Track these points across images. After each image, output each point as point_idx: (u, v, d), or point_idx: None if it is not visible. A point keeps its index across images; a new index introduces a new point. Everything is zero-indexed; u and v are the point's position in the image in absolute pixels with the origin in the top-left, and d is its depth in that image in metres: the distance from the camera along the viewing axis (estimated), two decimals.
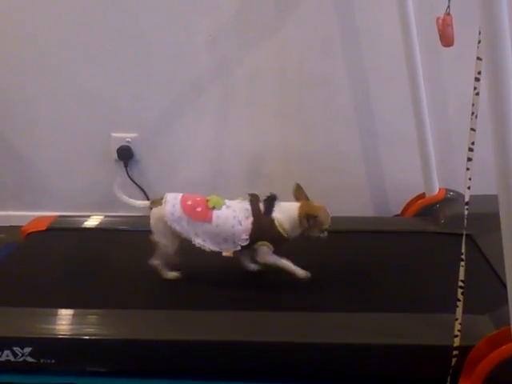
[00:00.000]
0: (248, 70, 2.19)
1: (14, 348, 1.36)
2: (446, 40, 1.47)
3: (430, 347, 1.31)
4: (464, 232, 1.23)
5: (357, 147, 2.26)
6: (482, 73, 1.16)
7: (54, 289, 1.62)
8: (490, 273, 1.61)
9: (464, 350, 1.25)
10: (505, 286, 1.24)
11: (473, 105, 1.21)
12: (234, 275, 1.63)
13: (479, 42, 1.14)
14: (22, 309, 1.48)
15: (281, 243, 1.55)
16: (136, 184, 2.35)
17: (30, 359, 1.37)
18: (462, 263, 1.23)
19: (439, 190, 2.07)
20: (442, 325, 1.33)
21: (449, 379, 1.27)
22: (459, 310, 1.24)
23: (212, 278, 1.64)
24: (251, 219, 1.52)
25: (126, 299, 1.55)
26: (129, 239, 1.95)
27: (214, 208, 1.53)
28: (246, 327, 1.40)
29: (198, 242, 1.53)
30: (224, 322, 1.43)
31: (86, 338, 1.38)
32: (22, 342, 1.36)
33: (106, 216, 2.11)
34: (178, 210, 1.53)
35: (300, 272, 1.56)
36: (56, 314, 1.46)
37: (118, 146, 2.30)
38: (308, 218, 1.50)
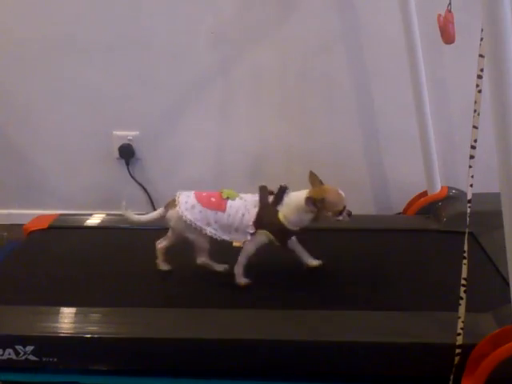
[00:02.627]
0: (250, 68, 2.18)
1: (17, 346, 1.35)
2: (447, 37, 1.47)
3: (432, 345, 1.31)
4: (466, 230, 1.23)
5: (359, 146, 2.26)
6: (485, 70, 1.15)
7: (56, 287, 1.61)
8: (493, 271, 1.61)
9: (467, 348, 1.25)
10: (507, 284, 1.24)
11: (475, 102, 1.20)
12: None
13: (481, 39, 1.13)
14: (24, 307, 1.48)
15: (284, 234, 1.55)
16: (137, 182, 2.35)
17: (32, 358, 1.36)
18: (465, 261, 1.22)
19: (441, 188, 2.07)
20: (444, 323, 1.33)
21: (451, 377, 1.27)
22: (462, 308, 1.23)
23: (217, 275, 1.63)
24: (257, 208, 1.54)
25: (128, 297, 1.55)
26: (130, 237, 1.95)
27: (227, 198, 1.55)
28: (245, 325, 1.40)
29: (209, 230, 1.54)
30: (224, 320, 1.43)
31: (88, 336, 1.38)
32: (24, 341, 1.36)
33: (107, 214, 2.11)
34: (192, 199, 1.54)
35: (241, 279, 1.57)
36: (58, 313, 1.46)
37: (119, 145, 2.30)
38: (313, 202, 1.49)
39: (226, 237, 1.56)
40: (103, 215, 2.10)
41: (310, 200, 1.49)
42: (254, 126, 2.27)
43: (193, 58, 2.18)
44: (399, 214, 2.20)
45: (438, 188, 2.06)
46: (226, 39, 2.15)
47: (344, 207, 1.52)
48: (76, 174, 2.39)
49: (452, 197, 2.04)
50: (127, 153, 2.31)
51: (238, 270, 1.57)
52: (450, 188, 2.08)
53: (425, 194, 2.10)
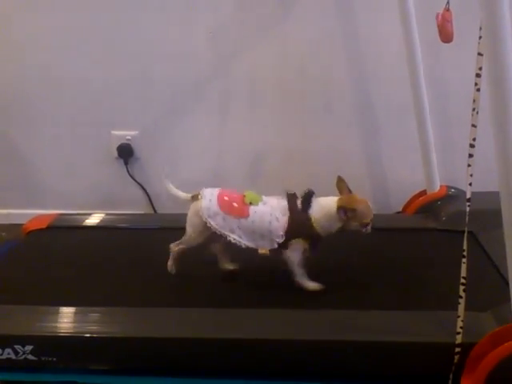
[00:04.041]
0: (248, 67, 2.19)
1: (15, 346, 1.35)
2: (445, 36, 1.46)
3: (432, 344, 1.31)
4: (466, 229, 1.23)
5: (358, 145, 2.26)
6: (483, 69, 1.15)
7: (55, 287, 1.61)
8: (492, 270, 1.61)
9: (466, 347, 1.25)
10: (507, 283, 1.24)
11: (474, 101, 1.20)
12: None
13: (480, 37, 1.13)
14: (23, 307, 1.48)
15: (316, 241, 1.52)
16: (136, 182, 2.35)
17: (31, 357, 1.36)
18: (464, 260, 1.22)
19: (440, 186, 2.07)
20: (444, 322, 1.33)
21: (451, 376, 1.27)
22: (461, 307, 1.23)
23: (216, 276, 1.63)
24: (288, 216, 1.50)
25: (127, 297, 1.55)
26: (129, 237, 1.95)
27: (250, 204, 1.52)
28: (245, 325, 1.40)
29: (233, 237, 1.51)
30: (224, 319, 1.43)
31: (87, 335, 1.38)
32: (23, 340, 1.36)
33: (106, 214, 2.11)
34: (215, 206, 1.51)
35: (310, 285, 1.54)
36: (57, 312, 1.46)
37: (118, 144, 2.30)
38: (345, 210, 1.46)
39: (251, 244, 1.52)
40: (102, 215, 2.10)
41: (342, 209, 1.46)
42: (253, 126, 2.27)
43: (191, 58, 2.18)
44: (398, 212, 2.20)
45: (437, 187, 2.06)
46: (225, 39, 2.15)
47: (371, 220, 1.51)
48: (75, 173, 2.39)
49: (451, 196, 2.04)
50: (126, 152, 2.31)
51: (302, 280, 1.53)
52: (449, 187, 2.08)
53: (424, 192, 2.10)
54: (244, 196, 1.53)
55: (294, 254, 1.52)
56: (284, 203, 1.52)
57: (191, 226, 1.56)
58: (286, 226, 1.50)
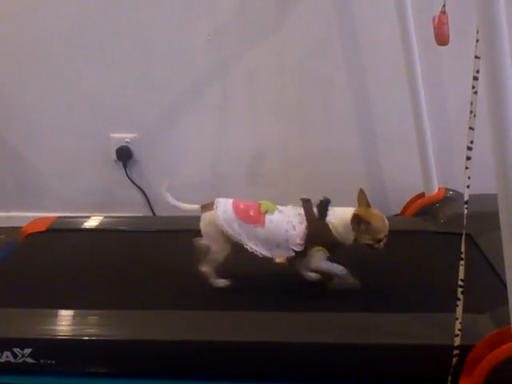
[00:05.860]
0: (247, 70, 2.19)
1: (14, 349, 1.35)
2: (441, 39, 1.47)
3: (430, 347, 1.31)
4: (463, 231, 1.23)
5: (356, 147, 2.27)
6: (481, 72, 1.16)
7: (54, 289, 1.61)
8: (490, 272, 1.61)
9: (464, 349, 1.25)
10: (505, 285, 1.23)
11: (471, 104, 1.20)
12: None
13: (477, 40, 1.14)
14: (22, 310, 1.48)
15: (335, 248, 1.51)
16: (135, 184, 2.35)
17: (29, 360, 1.36)
18: (462, 262, 1.22)
19: (438, 189, 2.07)
20: (442, 324, 1.33)
21: (449, 379, 1.27)
22: (459, 310, 1.23)
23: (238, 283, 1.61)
24: (305, 224, 1.48)
25: (126, 300, 1.55)
26: (128, 240, 1.95)
27: (266, 212, 1.50)
28: (243, 328, 1.40)
29: (250, 245, 1.49)
30: (223, 322, 1.43)
31: (86, 338, 1.38)
32: (21, 343, 1.36)
33: (105, 216, 2.11)
34: (230, 213, 1.48)
35: (350, 280, 1.53)
36: (56, 315, 1.46)
37: (117, 147, 2.30)
38: (359, 221, 1.44)
39: (267, 253, 1.50)
40: (101, 217, 2.10)
41: (356, 218, 1.45)
42: (252, 128, 2.27)
43: (190, 60, 2.19)
44: (397, 215, 2.20)
45: (435, 189, 2.06)
46: (223, 41, 2.15)
47: (385, 236, 1.48)
48: (74, 176, 2.39)
49: (449, 198, 2.04)
50: (125, 155, 2.31)
51: (343, 273, 1.53)
52: (447, 189, 2.08)
53: (422, 195, 2.10)
54: (260, 205, 1.52)
55: (318, 260, 1.51)
56: (300, 211, 1.51)
57: (209, 238, 1.52)
58: (304, 234, 1.48)
